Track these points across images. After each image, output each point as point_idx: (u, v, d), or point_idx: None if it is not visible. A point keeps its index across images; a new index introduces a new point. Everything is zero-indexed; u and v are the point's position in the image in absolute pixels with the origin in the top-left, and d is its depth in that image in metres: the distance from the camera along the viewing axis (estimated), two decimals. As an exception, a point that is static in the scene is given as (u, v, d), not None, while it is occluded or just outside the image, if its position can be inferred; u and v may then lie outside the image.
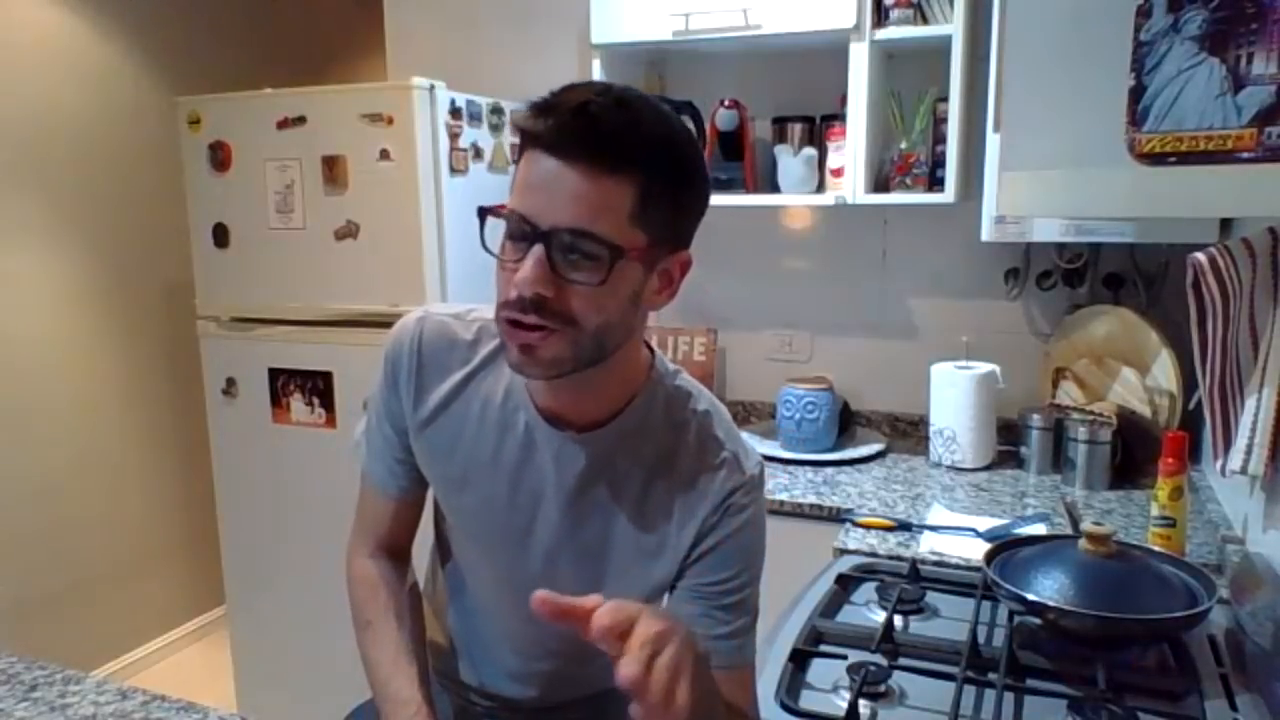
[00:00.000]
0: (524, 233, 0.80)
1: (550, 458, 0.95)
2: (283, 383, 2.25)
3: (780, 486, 1.90)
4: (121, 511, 2.95)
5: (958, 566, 1.51)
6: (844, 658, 1.16)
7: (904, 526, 1.67)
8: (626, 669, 0.66)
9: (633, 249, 0.81)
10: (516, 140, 0.89)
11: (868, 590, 1.41)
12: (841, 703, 1.08)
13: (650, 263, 0.85)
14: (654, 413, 0.96)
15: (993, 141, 1.76)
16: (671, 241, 0.86)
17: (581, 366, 0.86)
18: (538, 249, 0.79)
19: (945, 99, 1.97)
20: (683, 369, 1.02)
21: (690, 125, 2.11)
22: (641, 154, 0.80)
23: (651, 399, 0.96)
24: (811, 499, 1.83)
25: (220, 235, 2.25)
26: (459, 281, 2.10)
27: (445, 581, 1.12)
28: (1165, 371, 1.92)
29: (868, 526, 1.69)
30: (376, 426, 1.04)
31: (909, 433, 2.31)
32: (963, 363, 2.09)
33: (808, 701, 1.10)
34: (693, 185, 0.86)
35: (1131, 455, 1.91)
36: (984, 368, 2.04)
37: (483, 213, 0.84)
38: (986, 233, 1.86)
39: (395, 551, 1.10)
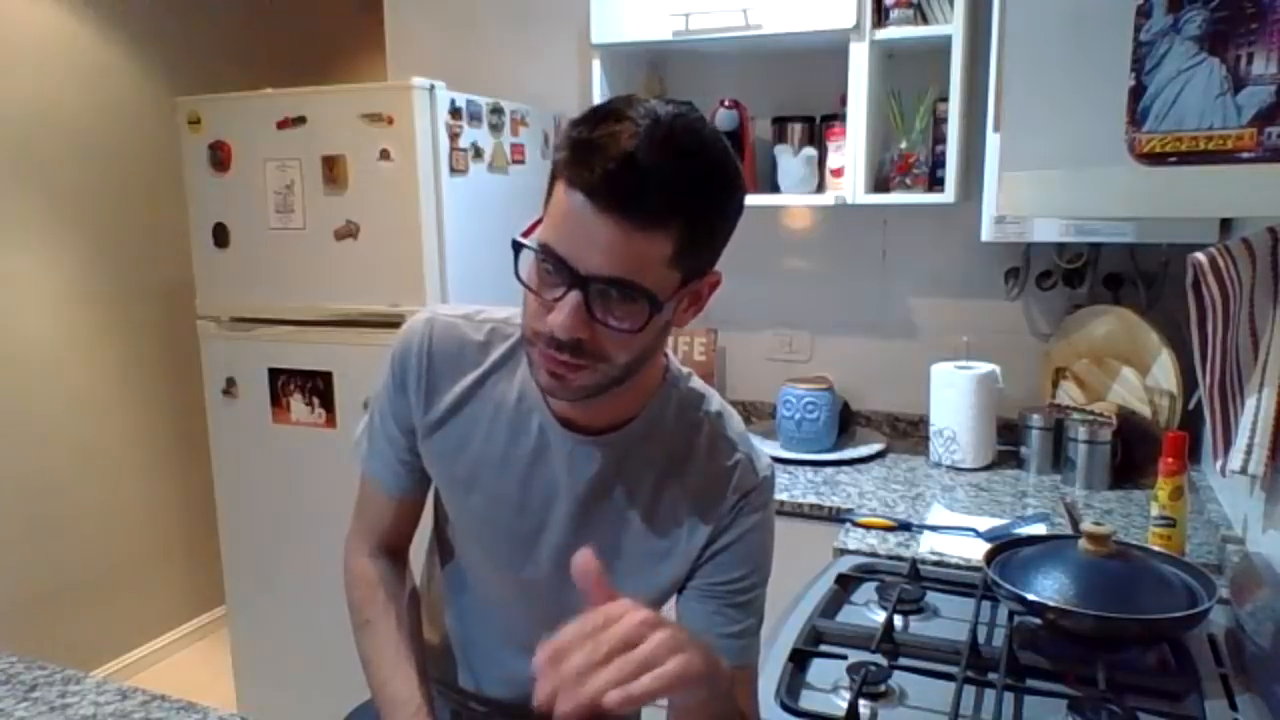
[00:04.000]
0: (561, 275, 0.79)
1: (563, 460, 0.95)
2: (283, 383, 2.25)
3: (780, 486, 1.90)
4: (121, 511, 2.95)
5: (958, 566, 1.51)
6: (844, 658, 1.16)
7: (904, 526, 1.67)
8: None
9: (670, 292, 0.81)
10: (548, 163, 0.82)
11: (868, 590, 1.41)
12: (841, 703, 1.08)
13: (683, 295, 0.84)
14: (667, 415, 0.96)
15: (993, 141, 1.77)
16: (706, 270, 0.86)
17: (608, 390, 0.86)
18: (575, 296, 0.78)
19: (945, 99, 1.97)
20: (694, 372, 1.02)
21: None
22: (686, 205, 0.77)
23: (665, 402, 0.96)
24: (811, 499, 1.83)
25: (220, 235, 2.25)
26: (459, 281, 2.10)
27: (444, 584, 1.12)
28: (1165, 371, 1.92)
29: (868, 526, 1.69)
30: (380, 426, 1.03)
31: (909, 433, 2.31)
32: (963, 363, 2.08)
33: (808, 701, 1.10)
34: (731, 215, 0.84)
35: (1131, 455, 1.91)
36: (984, 368, 2.04)
37: (517, 246, 0.82)
38: (986, 233, 1.86)
39: (394, 550, 1.10)
